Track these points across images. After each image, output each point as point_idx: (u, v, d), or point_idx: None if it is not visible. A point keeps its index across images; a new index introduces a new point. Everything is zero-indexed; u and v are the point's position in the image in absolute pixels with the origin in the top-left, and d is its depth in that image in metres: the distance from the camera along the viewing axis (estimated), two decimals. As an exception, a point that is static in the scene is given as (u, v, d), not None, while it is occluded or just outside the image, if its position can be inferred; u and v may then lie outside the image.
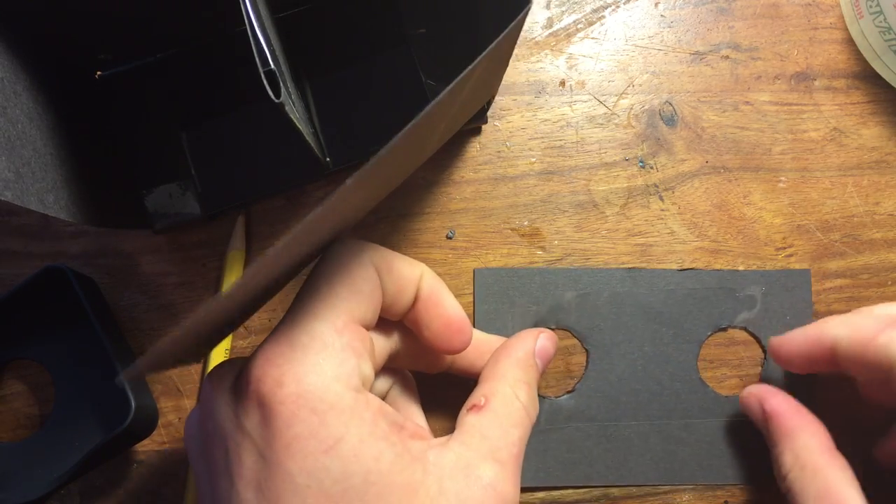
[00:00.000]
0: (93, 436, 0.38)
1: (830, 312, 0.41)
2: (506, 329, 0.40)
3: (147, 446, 0.40)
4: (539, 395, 0.39)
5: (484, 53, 0.24)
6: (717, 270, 0.41)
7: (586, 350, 0.40)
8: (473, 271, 0.40)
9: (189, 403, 0.40)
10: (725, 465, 0.39)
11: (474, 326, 0.40)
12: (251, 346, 0.40)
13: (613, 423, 0.39)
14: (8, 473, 0.38)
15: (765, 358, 0.40)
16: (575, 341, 0.40)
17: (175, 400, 0.40)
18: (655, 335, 0.40)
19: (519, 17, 0.26)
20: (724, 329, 0.40)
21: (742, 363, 0.40)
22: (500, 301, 0.40)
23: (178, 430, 0.40)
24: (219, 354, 0.39)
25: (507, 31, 0.25)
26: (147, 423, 0.39)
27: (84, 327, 0.38)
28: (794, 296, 0.40)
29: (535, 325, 0.40)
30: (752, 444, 0.39)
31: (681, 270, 0.41)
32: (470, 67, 0.24)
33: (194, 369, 0.40)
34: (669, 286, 0.40)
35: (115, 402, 0.37)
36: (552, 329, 0.40)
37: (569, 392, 0.40)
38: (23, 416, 0.40)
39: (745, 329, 0.40)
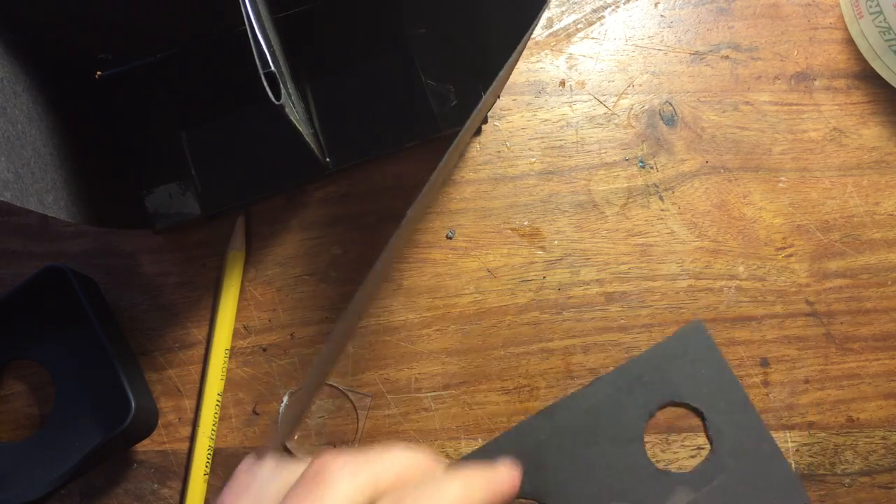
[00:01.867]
0: (93, 436, 0.38)
1: (830, 312, 0.41)
2: None
3: (147, 446, 0.40)
4: None
5: (510, 61, 0.24)
6: (613, 371, 0.40)
7: None
8: None
9: (189, 403, 0.40)
10: None
11: None
12: (251, 345, 0.40)
13: None
14: (8, 473, 0.38)
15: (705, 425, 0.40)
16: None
17: (175, 400, 0.40)
18: (597, 454, 0.39)
19: (539, 16, 0.26)
20: (653, 415, 0.40)
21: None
22: None
23: (177, 430, 0.40)
24: (218, 356, 0.39)
25: (529, 31, 0.25)
26: (147, 423, 0.39)
27: (84, 327, 0.38)
28: (696, 349, 0.40)
29: None
30: None
31: (584, 388, 0.40)
32: (496, 82, 0.24)
33: (194, 369, 0.40)
34: (582, 404, 0.39)
35: (115, 402, 0.37)
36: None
37: None
38: (23, 416, 0.40)
39: (676, 403, 0.40)
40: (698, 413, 0.39)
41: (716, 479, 0.39)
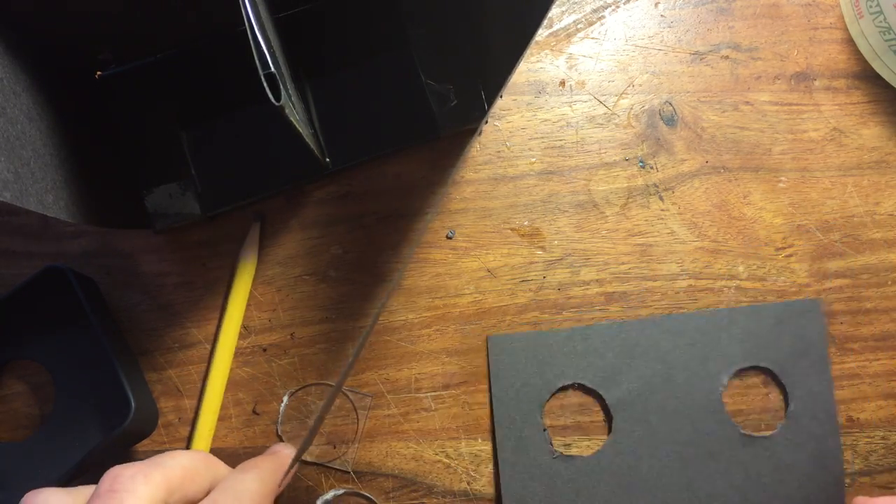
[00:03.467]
0: (93, 436, 0.38)
1: (830, 312, 0.41)
2: (526, 400, 0.39)
3: (147, 446, 0.40)
4: (566, 455, 0.39)
5: (518, 62, 0.24)
6: (728, 309, 0.40)
7: (606, 407, 0.39)
8: (487, 340, 0.40)
9: (189, 403, 0.40)
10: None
11: (491, 395, 0.40)
12: (251, 345, 0.40)
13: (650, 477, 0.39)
14: (8, 473, 0.38)
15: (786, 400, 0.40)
16: (592, 401, 0.40)
17: (175, 400, 0.40)
18: (672, 382, 0.39)
19: (545, 15, 0.26)
20: (743, 370, 0.40)
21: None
22: (517, 368, 0.40)
23: (177, 430, 0.40)
24: (221, 365, 0.39)
25: (536, 30, 0.25)
26: (147, 423, 0.39)
27: (84, 327, 0.38)
28: (803, 325, 0.40)
29: (554, 389, 0.39)
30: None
31: (694, 313, 0.40)
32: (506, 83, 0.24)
33: (194, 369, 0.40)
34: (680, 329, 0.40)
35: (115, 402, 0.37)
36: (574, 387, 0.40)
37: (597, 449, 0.39)
38: (23, 416, 0.40)
39: (760, 367, 0.40)
40: (780, 386, 0.40)
41: (771, 444, 0.39)
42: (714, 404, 0.39)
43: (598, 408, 0.40)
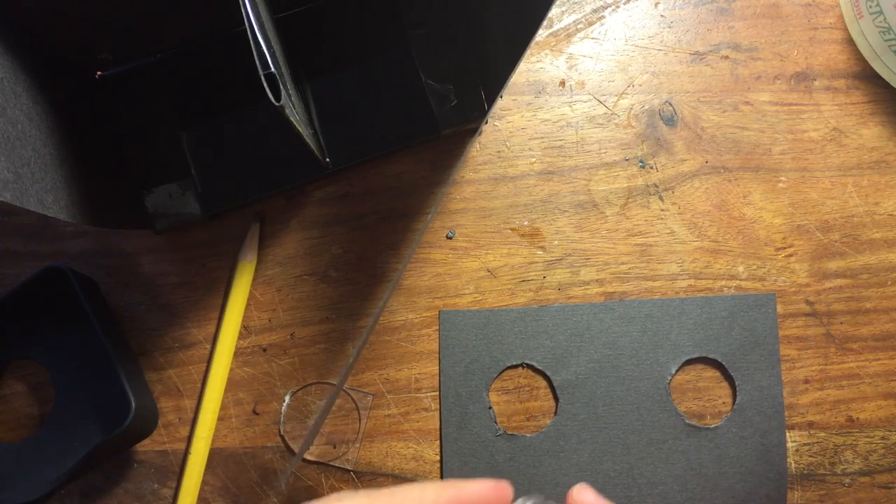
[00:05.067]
0: (93, 436, 0.38)
1: (830, 312, 0.41)
2: (474, 377, 0.40)
3: (147, 446, 0.40)
4: (510, 434, 0.39)
5: (518, 63, 0.24)
6: (681, 298, 0.40)
7: (553, 388, 0.40)
8: (439, 313, 0.40)
9: (189, 403, 0.40)
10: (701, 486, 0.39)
11: (440, 370, 0.40)
12: (251, 345, 0.40)
13: (587, 458, 0.39)
14: (8, 473, 0.38)
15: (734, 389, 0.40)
16: (539, 382, 0.40)
17: (175, 400, 0.40)
18: (620, 368, 0.40)
19: (545, 15, 0.26)
20: (692, 360, 0.40)
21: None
22: (467, 345, 0.40)
23: (177, 430, 0.40)
24: (220, 366, 0.39)
25: (536, 30, 0.25)
26: (147, 423, 0.39)
27: (84, 327, 0.38)
28: (756, 318, 0.40)
29: (502, 367, 0.40)
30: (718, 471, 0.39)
31: (647, 300, 0.40)
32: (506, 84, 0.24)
33: (194, 369, 0.40)
34: (632, 315, 0.40)
35: (115, 402, 0.37)
36: (523, 367, 0.40)
37: (541, 430, 0.40)
38: (23, 416, 0.40)
39: (709, 358, 0.40)
40: (729, 379, 0.40)
41: (715, 436, 0.39)
42: (660, 393, 0.40)
43: (544, 389, 0.40)
